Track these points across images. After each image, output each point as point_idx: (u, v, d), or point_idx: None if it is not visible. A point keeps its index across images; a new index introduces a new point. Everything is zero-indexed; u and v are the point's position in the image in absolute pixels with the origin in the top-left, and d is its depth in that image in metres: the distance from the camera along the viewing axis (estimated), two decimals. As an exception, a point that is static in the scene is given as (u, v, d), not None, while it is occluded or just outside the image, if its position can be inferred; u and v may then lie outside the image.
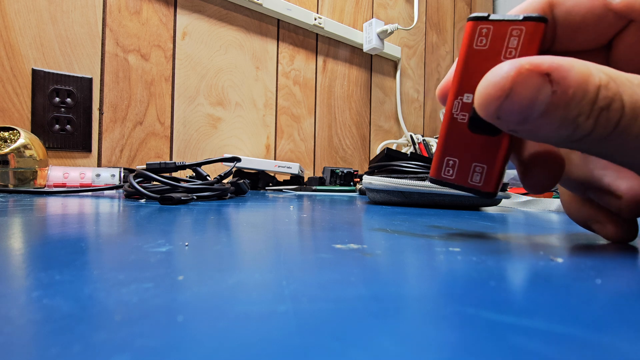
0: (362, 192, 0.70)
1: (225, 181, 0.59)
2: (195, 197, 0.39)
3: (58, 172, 0.51)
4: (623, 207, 0.16)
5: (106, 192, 0.49)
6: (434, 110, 1.42)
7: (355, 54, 1.13)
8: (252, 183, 0.75)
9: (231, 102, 0.87)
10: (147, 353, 0.06)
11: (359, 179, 0.81)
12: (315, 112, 1.03)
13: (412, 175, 0.42)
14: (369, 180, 0.43)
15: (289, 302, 0.08)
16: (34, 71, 0.63)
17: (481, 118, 0.14)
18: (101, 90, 0.69)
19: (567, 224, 0.28)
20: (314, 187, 0.77)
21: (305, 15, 0.96)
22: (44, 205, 0.30)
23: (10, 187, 0.49)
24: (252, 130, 0.90)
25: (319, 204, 0.40)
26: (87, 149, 0.68)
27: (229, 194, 0.46)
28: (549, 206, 0.43)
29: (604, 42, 0.15)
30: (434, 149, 1.10)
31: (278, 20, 0.95)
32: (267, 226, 0.21)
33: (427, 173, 0.44)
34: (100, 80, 0.69)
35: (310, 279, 0.10)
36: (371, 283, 0.10)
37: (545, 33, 0.15)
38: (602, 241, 0.19)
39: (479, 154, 0.16)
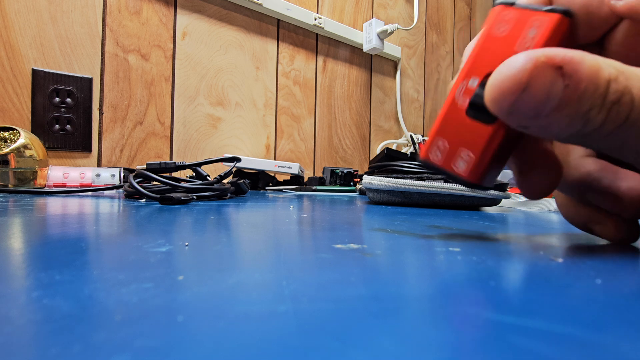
0: (362, 192, 0.70)
1: (225, 181, 0.59)
2: (195, 197, 0.39)
3: (58, 172, 0.51)
4: (624, 207, 0.16)
5: (106, 192, 0.49)
6: (434, 110, 1.41)
7: (355, 54, 1.13)
8: (252, 183, 0.75)
9: (231, 102, 0.87)
10: (147, 353, 0.06)
11: (359, 179, 0.81)
12: (315, 112, 1.03)
13: (412, 175, 0.42)
14: (369, 180, 0.43)
15: (289, 302, 0.08)
16: (34, 71, 0.63)
17: (481, 105, 0.14)
18: (101, 90, 0.69)
19: (567, 224, 0.28)
20: (314, 187, 0.77)
21: (305, 15, 0.96)
22: (44, 205, 0.30)
23: (10, 187, 0.49)
24: (252, 130, 0.90)
25: (319, 204, 0.40)
26: (87, 149, 0.68)
27: (229, 194, 0.46)
28: (549, 206, 0.43)
29: (596, 38, 0.15)
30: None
31: (278, 20, 0.95)
32: (267, 226, 0.21)
33: (427, 173, 0.44)
34: (100, 80, 0.69)
35: (310, 279, 0.10)
36: (371, 283, 0.10)
37: (570, 29, 0.14)
38: (602, 241, 0.19)
39: (468, 140, 0.15)
